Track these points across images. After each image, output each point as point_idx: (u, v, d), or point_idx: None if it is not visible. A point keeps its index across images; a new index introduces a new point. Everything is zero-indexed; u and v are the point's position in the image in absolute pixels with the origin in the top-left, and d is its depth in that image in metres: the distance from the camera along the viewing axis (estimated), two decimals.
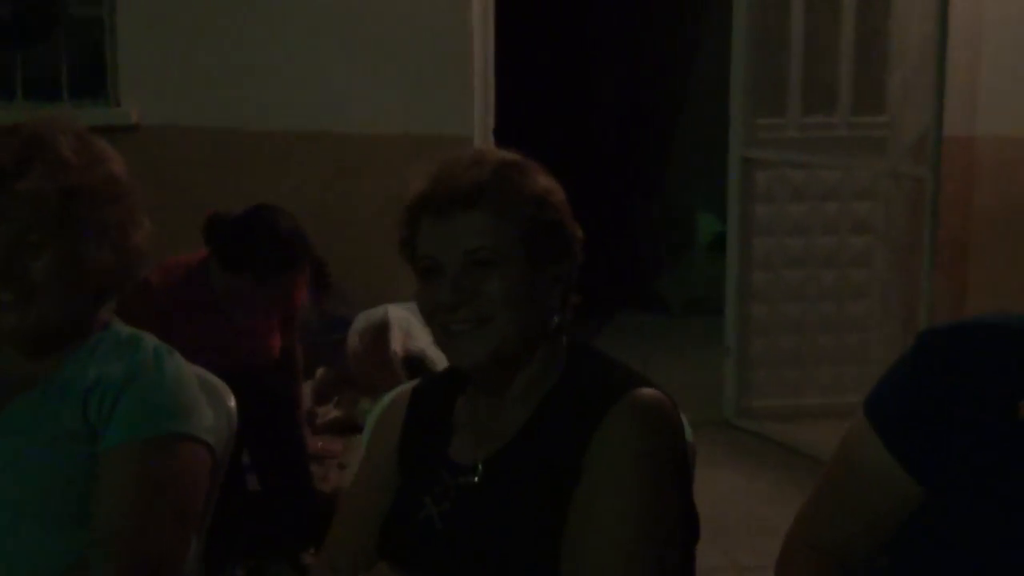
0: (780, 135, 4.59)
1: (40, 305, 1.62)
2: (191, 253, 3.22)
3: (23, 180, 1.59)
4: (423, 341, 4.07)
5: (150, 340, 1.71)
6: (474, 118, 4.74)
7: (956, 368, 1.35)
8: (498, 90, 4.86)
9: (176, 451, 1.62)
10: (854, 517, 1.41)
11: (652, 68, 7.58)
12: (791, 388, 4.74)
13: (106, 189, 1.67)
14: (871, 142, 4.50)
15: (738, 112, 4.54)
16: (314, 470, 3.60)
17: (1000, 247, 4.88)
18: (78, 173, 1.65)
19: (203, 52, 4.85)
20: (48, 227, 1.62)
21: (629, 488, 1.41)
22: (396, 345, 4.03)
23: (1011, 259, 4.88)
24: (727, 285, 4.70)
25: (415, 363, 4.03)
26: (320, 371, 4.24)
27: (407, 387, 1.73)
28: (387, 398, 1.80)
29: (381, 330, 4.07)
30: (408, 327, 4.10)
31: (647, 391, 1.47)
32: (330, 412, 4.02)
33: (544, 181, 1.55)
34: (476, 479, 1.51)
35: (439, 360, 4.09)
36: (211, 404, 1.73)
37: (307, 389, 4.11)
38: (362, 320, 4.19)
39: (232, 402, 1.84)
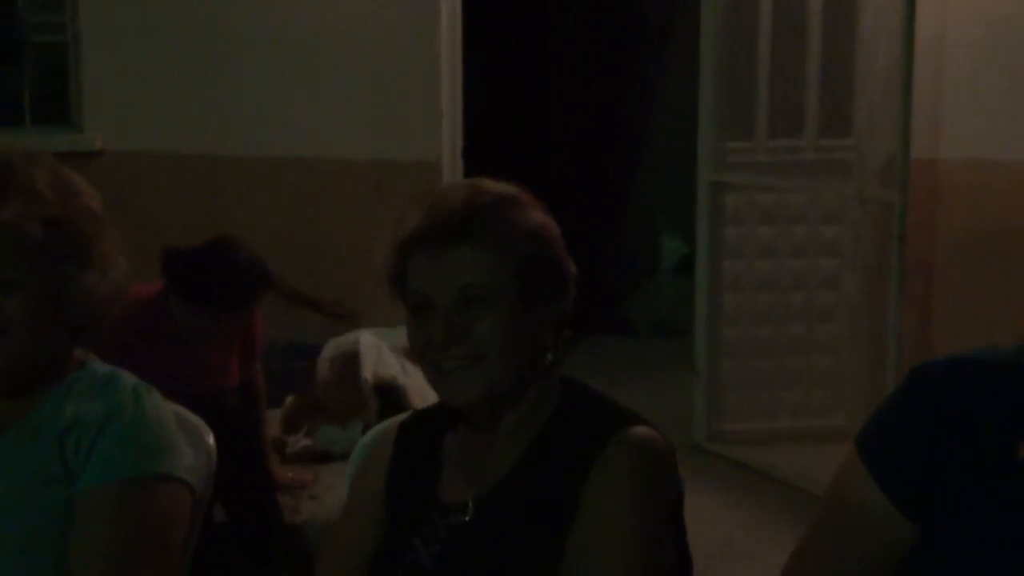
0: (748, 159, 4.61)
1: (15, 344, 1.58)
2: (151, 283, 3.18)
3: None
4: (394, 368, 4.03)
5: (128, 378, 1.68)
6: (442, 143, 4.73)
7: (950, 405, 1.34)
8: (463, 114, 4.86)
9: (156, 492, 1.58)
10: (847, 557, 1.39)
11: (616, 91, 7.60)
12: (761, 411, 4.75)
13: (82, 223, 1.64)
14: (838, 165, 4.53)
15: (706, 136, 4.56)
16: (284, 501, 3.55)
17: (965, 270, 4.91)
18: (54, 207, 1.61)
19: (167, 78, 4.82)
20: (23, 263, 1.58)
21: (625, 529, 1.39)
22: (367, 372, 3.98)
23: (977, 282, 4.90)
24: (696, 308, 4.70)
25: (386, 390, 3.99)
26: (289, 399, 4.18)
27: (393, 423, 1.70)
28: (371, 435, 1.77)
29: (351, 357, 4.03)
30: (379, 354, 4.06)
31: (641, 429, 1.45)
32: (300, 441, 3.96)
33: (538, 216, 1.53)
34: (467, 518, 1.48)
35: (410, 387, 4.07)
36: (190, 442, 1.70)
37: (276, 417, 4.06)
38: (332, 347, 4.14)
39: (211, 439, 1.81)
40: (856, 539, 1.38)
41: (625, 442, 1.43)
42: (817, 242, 4.69)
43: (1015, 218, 4.80)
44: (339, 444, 3.92)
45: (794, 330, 4.72)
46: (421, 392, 4.05)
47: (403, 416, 1.71)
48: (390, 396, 3.97)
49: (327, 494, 3.64)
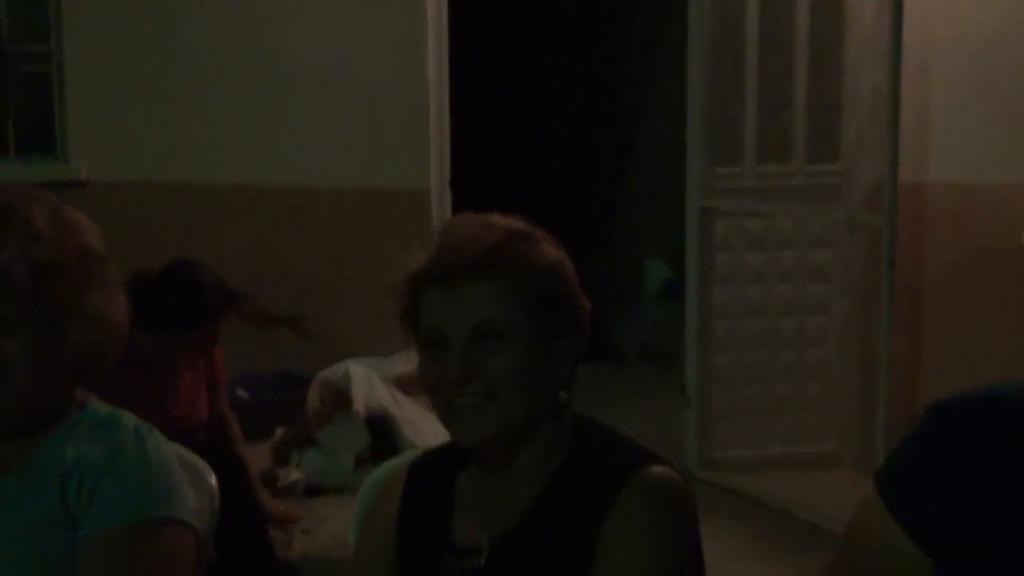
0: (737, 184, 4.61)
1: (14, 386, 1.55)
2: None
3: None
4: (386, 399, 4.01)
5: (129, 419, 1.65)
6: (431, 171, 4.71)
7: (969, 442, 1.32)
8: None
9: (160, 536, 1.55)
10: None
11: (601, 118, 7.61)
12: (752, 438, 4.73)
13: (82, 263, 1.61)
14: (827, 190, 4.53)
15: (695, 162, 4.55)
16: (276, 536, 3.51)
17: (953, 294, 4.92)
18: (53, 246, 1.58)
19: (153, 107, 4.79)
20: (22, 303, 1.55)
21: (647, 571, 1.37)
22: (358, 403, 3.96)
23: (965, 306, 4.91)
24: (687, 335, 4.69)
25: (378, 421, 3.96)
26: (279, 431, 4.15)
27: (402, 463, 1.67)
28: (379, 475, 1.74)
29: (342, 387, 4.00)
30: (370, 384, 4.04)
31: (659, 469, 1.43)
32: (291, 474, 3.93)
33: (553, 251, 1.51)
34: (482, 562, 1.46)
35: (402, 418, 4.04)
36: (192, 483, 1.67)
37: (266, 450, 4.03)
38: (322, 377, 4.12)
39: (213, 480, 1.78)
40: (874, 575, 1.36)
41: (643, 483, 1.41)
42: (806, 267, 4.69)
43: (1002, 241, 4.82)
44: (331, 477, 3.89)
45: (784, 356, 4.71)
46: (413, 423, 4.03)
47: (412, 455, 1.68)
48: (381, 427, 3.94)
49: (320, 528, 3.60)
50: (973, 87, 4.76)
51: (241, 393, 4.39)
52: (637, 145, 7.36)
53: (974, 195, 4.84)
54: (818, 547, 4.09)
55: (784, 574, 3.88)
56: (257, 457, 3.80)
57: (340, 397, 3.99)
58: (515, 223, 1.52)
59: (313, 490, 3.90)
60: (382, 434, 3.96)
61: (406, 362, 4.46)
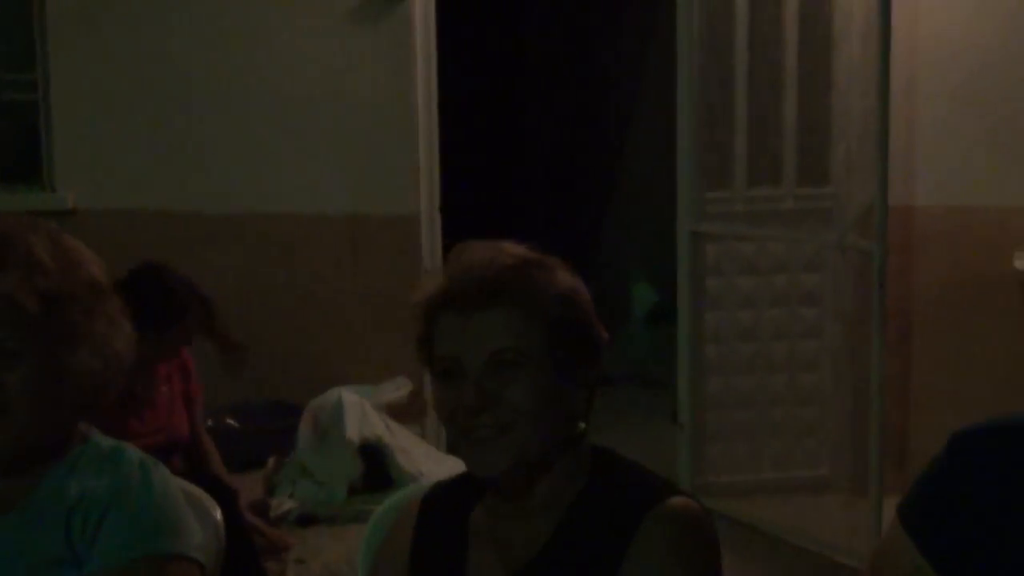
0: (727, 208, 4.60)
1: (16, 420, 1.52)
2: None
3: None
4: (379, 427, 3.98)
5: (133, 452, 1.62)
6: (420, 197, 4.69)
7: (992, 471, 1.31)
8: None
9: (167, 572, 1.52)
10: None
11: (587, 143, 7.62)
12: (745, 462, 4.71)
13: (85, 294, 1.59)
14: (817, 213, 4.53)
15: (685, 186, 4.54)
16: (271, 567, 3.47)
17: (942, 317, 4.92)
18: (56, 277, 1.55)
19: (140, 135, 4.76)
20: (24, 336, 1.52)
21: None
22: (352, 432, 3.92)
23: (954, 329, 4.91)
24: (679, 359, 4.67)
25: (372, 450, 3.93)
26: (271, 460, 4.11)
27: (413, 496, 1.63)
28: (389, 509, 1.71)
29: (335, 416, 3.97)
30: (363, 412, 4.00)
31: (679, 500, 1.41)
32: (284, 503, 3.88)
33: (569, 278, 1.49)
34: None
35: (395, 447, 4.01)
36: (197, 518, 1.64)
37: (257, 479, 3.99)
38: (314, 406, 4.08)
39: (219, 514, 1.75)
40: None
41: (664, 515, 1.38)
42: (798, 291, 4.68)
43: (992, 264, 4.82)
44: (323, 506, 3.85)
45: (777, 380, 4.69)
46: (406, 451, 4.00)
47: (422, 488, 1.65)
48: (375, 456, 3.91)
49: (314, 559, 3.56)
50: (963, 109, 4.78)
51: (231, 422, 4.36)
52: (622, 169, 7.37)
53: (964, 217, 4.85)
54: (811, 573, 4.07)
55: None
56: (248, 486, 3.77)
57: (333, 426, 3.95)
58: (528, 250, 1.50)
59: (306, 520, 3.85)
60: (375, 463, 3.92)
61: (397, 389, 4.44)
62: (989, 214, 4.84)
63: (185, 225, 4.69)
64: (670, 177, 4.78)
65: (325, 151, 4.70)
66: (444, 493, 1.59)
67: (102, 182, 4.78)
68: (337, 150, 4.69)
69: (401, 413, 4.36)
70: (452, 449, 1.47)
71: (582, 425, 1.49)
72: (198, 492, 1.76)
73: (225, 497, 3.28)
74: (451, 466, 4.09)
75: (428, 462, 3.98)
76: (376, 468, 3.93)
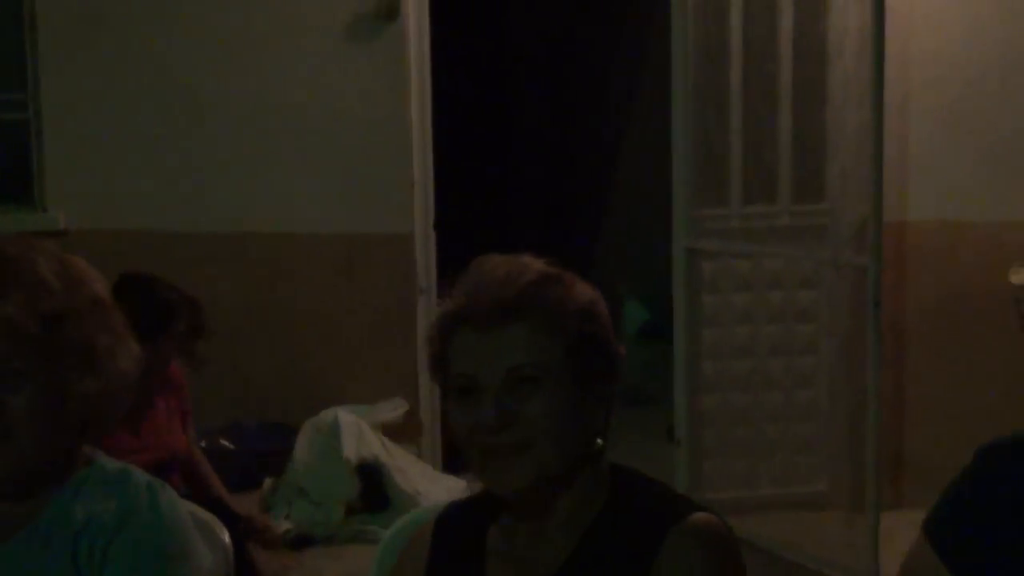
0: (723, 225, 4.59)
1: (19, 442, 1.49)
2: None
3: None
4: (376, 447, 3.95)
5: (140, 475, 1.59)
6: (415, 214, 4.67)
7: (1019, 485, 1.30)
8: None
9: None
10: None
11: (578, 159, 7.62)
12: (742, 479, 4.69)
13: (91, 313, 1.56)
14: (813, 230, 4.52)
15: (681, 203, 4.53)
16: None
17: (936, 333, 4.91)
18: (60, 297, 1.53)
19: (132, 154, 4.73)
20: (28, 357, 1.49)
21: None
22: (349, 451, 3.89)
23: (949, 344, 4.91)
24: (675, 376, 4.65)
25: (369, 470, 3.90)
26: (267, 482, 4.08)
27: (427, 516, 1.60)
28: (401, 531, 1.68)
29: (332, 436, 3.94)
30: (360, 432, 3.97)
31: (702, 516, 1.38)
32: (281, 524, 3.84)
33: (588, 293, 1.47)
34: None
35: (393, 467, 3.98)
36: (205, 542, 1.61)
37: (252, 500, 3.95)
38: (311, 426, 4.05)
39: (227, 537, 1.72)
40: None
41: (687, 532, 1.36)
42: (794, 308, 4.67)
43: (987, 279, 4.83)
44: (320, 527, 3.81)
45: (773, 397, 4.68)
46: (403, 471, 3.97)
47: (436, 508, 1.62)
48: (372, 476, 3.88)
49: None
50: (957, 125, 4.79)
51: (225, 443, 4.32)
52: (613, 187, 7.37)
53: (958, 233, 4.86)
54: None
55: None
56: (243, 508, 3.72)
57: (330, 446, 3.93)
58: (544, 264, 1.48)
59: (303, 541, 3.82)
60: (372, 483, 3.89)
61: (393, 409, 4.41)
62: (983, 229, 4.85)
63: (178, 245, 4.66)
64: (660, 195, 4.78)
65: (320, 169, 4.68)
66: (459, 512, 1.56)
67: (94, 202, 4.74)
68: (332, 168, 4.67)
69: (397, 433, 4.33)
70: (470, 467, 1.44)
71: (600, 441, 1.46)
72: (206, 515, 1.73)
73: (230, 522, 3.26)
74: (448, 486, 4.09)
75: (425, 482, 3.95)
76: (373, 488, 3.90)
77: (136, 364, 1.60)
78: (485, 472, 1.42)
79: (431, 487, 3.85)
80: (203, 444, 3.85)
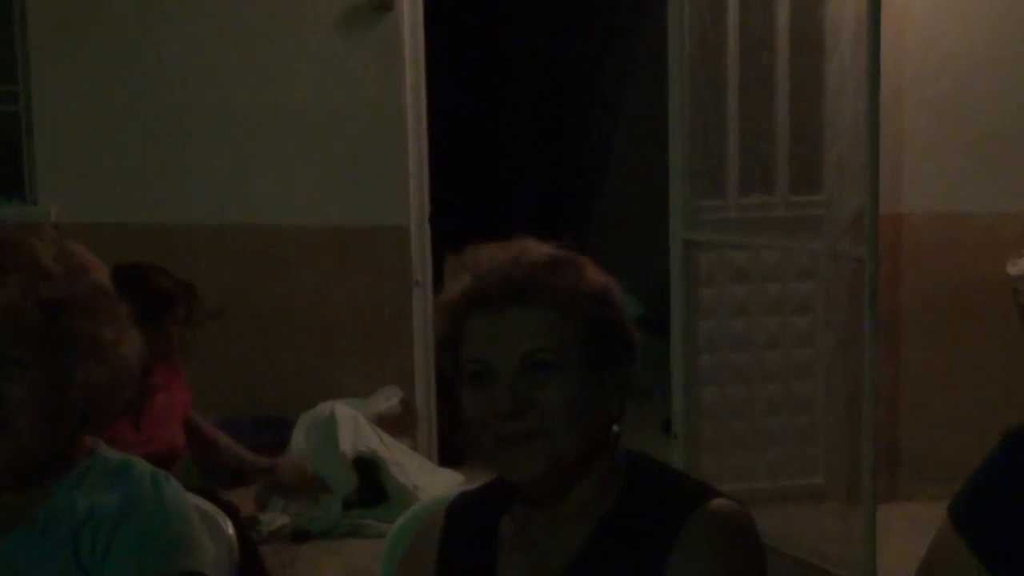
0: (720, 216, 4.56)
1: (19, 432, 1.46)
2: None
3: None
4: (373, 440, 3.92)
5: (143, 466, 1.56)
6: (410, 207, 4.64)
7: None
8: None
9: None
10: None
11: (571, 152, 7.59)
12: (739, 472, 4.66)
13: (93, 301, 1.53)
14: (811, 221, 4.49)
15: (678, 194, 4.50)
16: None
17: (933, 325, 4.90)
18: (61, 284, 1.50)
19: (125, 147, 4.69)
20: (28, 345, 1.46)
21: None
22: (345, 445, 3.86)
23: (945, 336, 4.90)
24: (672, 369, 4.62)
25: (366, 464, 3.87)
26: None
27: (436, 507, 1.57)
28: (409, 522, 1.64)
29: (329, 429, 3.91)
30: (357, 425, 3.94)
31: (721, 502, 1.35)
32: (277, 519, 3.81)
33: (601, 276, 1.44)
34: None
35: (390, 460, 3.95)
36: (210, 534, 1.58)
37: (249, 495, 3.92)
38: (307, 419, 4.02)
39: (231, 529, 1.68)
40: None
41: (706, 518, 1.33)
42: (792, 300, 4.64)
43: (985, 270, 4.82)
44: (317, 522, 3.78)
45: (771, 389, 4.65)
46: (401, 465, 3.94)
47: (446, 499, 1.58)
48: (369, 469, 3.85)
49: (308, 573, 3.50)
50: (952, 117, 4.78)
51: None
52: (606, 181, 7.34)
53: (954, 225, 4.85)
54: None
55: None
56: (239, 502, 3.69)
57: (327, 439, 3.89)
58: (554, 247, 1.45)
59: (300, 535, 3.78)
60: (369, 476, 3.86)
61: (387, 399, 4.38)
62: (980, 220, 4.84)
63: (171, 238, 4.62)
64: (653, 188, 4.75)
65: (314, 161, 4.64)
66: (471, 502, 1.53)
67: (85, 195, 4.70)
68: (326, 160, 4.64)
69: (393, 426, 4.30)
70: (484, 455, 1.40)
71: (616, 428, 1.43)
72: (209, 507, 1.70)
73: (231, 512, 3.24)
74: (446, 480, 4.06)
75: (423, 475, 3.92)
76: (370, 482, 3.87)
77: (139, 354, 1.58)
78: (499, 459, 1.38)
79: (429, 481, 3.83)
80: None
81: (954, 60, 4.77)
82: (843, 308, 4.43)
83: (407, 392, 4.51)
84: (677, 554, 1.31)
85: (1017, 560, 1.26)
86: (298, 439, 3.99)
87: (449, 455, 4.71)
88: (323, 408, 4.04)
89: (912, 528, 4.67)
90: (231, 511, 3.12)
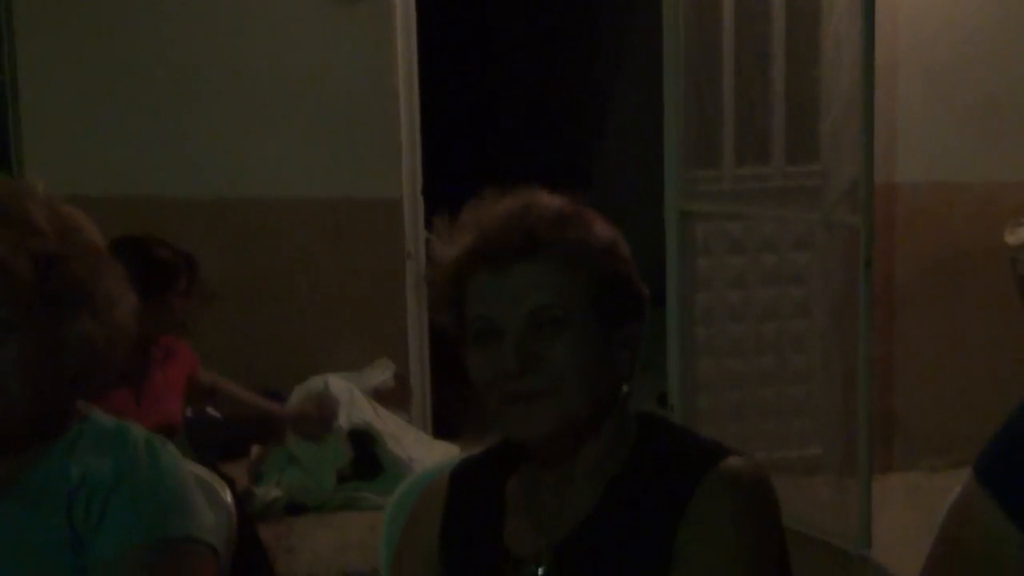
0: (715, 187, 4.52)
1: (9, 395, 1.42)
2: None
3: None
4: (368, 413, 3.89)
5: (138, 430, 1.52)
6: (403, 180, 4.59)
7: None
8: None
9: (180, 557, 1.42)
10: None
11: (563, 125, 7.55)
12: (736, 444, 4.59)
13: (85, 259, 1.49)
14: (807, 191, 4.47)
15: (673, 165, 4.46)
16: None
17: (927, 295, 4.89)
18: (53, 241, 1.46)
19: (114, 120, 4.62)
20: (19, 304, 1.42)
21: (735, 573, 1.25)
22: (340, 418, 3.83)
23: (940, 307, 4.88)
24: (668, 341, 4.59)
25: (361, 437, 3.84)
26: (256, 449, 4.01)
27: (439, 472, 1.52)
28: (411, 488, 1.61)
29: (324, 402, 3.88)
30: (352, 399, 3.91)
31: (737, 460, 1.32)
32: (271, 492, 3.78)
33: (609, 230, 1.39)
34: (541, 571, 1.32)
35: (385, 433, 3.92)
36: (208, 501, 1.54)
37: (242, 468, 3.89)
38: (302, 392, 3.99)
39: (230, 497, 1.65)
40: (977, 572, 1.26)
41: (722, 477, 1.29)
42: (788, 271, 4.62)
43: (981, 240, 4.80)
44: (312, 494, 3.75)
45: (767, 361, 4.63)
46: (396, 437, 3.91)
47: (448, 464, 1.54)
48: (364, 442, 3.82)
49: (303, 546, 3.47)
50: (947, 86, 4.75)
51: (212, 412, 4.24)
52: (601, 151, 7.30)
53: (950, 194, 4.83)
54: (803, 554, 4.01)
55: None
56: (233, 476, 3.66)
57: (323, 411, 3.87)
58: (561, 201, 1.39)
59: (294, 508, 3.75)
60: (364, 449, 3.83)
61: (382, 372, 4.35)
62: (976, 190, 4.82)
63: (161, 211, 4.56)
64: (646, 161, 4.71)
65: (306, 134, 4.58)
66: (475, 466, 1.49)
67: (74, 168, 4.63)
68: (318, 133, 4.58)
69: (387, 400, 4.27)
70: (492, 417, 1.35)
71: (626, 387, 1.39)
72: (207, 474, 1.66)
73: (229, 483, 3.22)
74: (441, 452, 4.03)
75: (418, 448, 3.90)
76: (365, 455, 3.84)
77: (134, 315, 1.54)
78: (507, 419, 1.34)
79: (424, 453, 3.80)
80: (189, 413, 3.79)
81: (950, 29, 4.74)
82: (838, 279, 4.41)
83: (400, 365, 4.47)
84: (692, 514, 1.27)
85: None
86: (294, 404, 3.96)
87: (444, 428, 4.69)
88: (317, 381, 4.00)
89: (907, 499, 4.67)
90: (229, 482, 3.10)
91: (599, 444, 1.37)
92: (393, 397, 4.26)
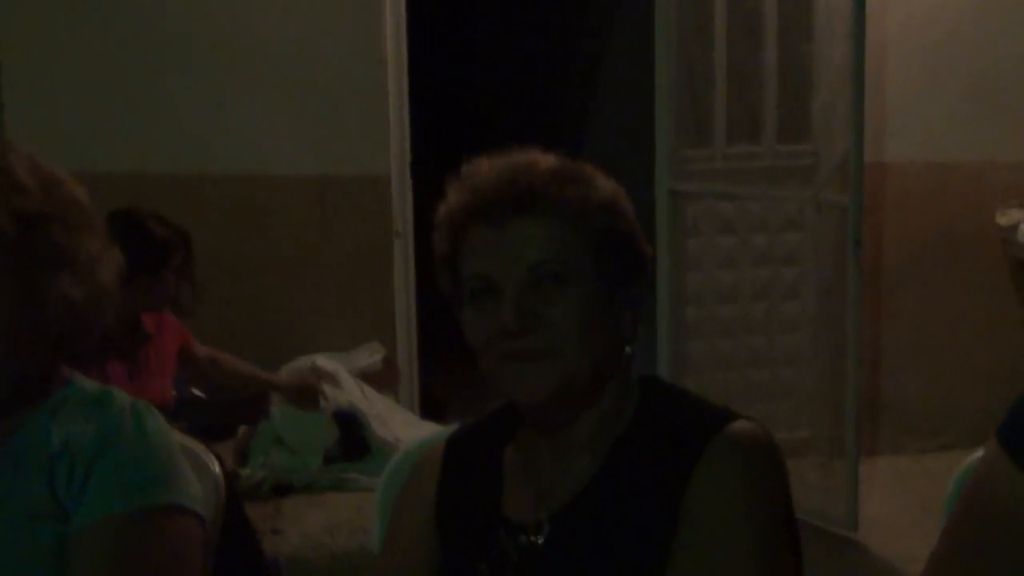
0: (706, 166, 4.49)
1: None
2: None
3: None
4: (354, 393, 3.84)
5: (123, 396, 1.47)
6: (391, 157, 4.54)
7: None
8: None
9: (164, 526, 1.37)
10: (1000, 562, 1.24)
11: (556, 100, 7.50)
12: None
13: (68, 215, 1.45)
14: (798, 171, 4.44)
15: (664, 144, 4.42)
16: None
17: (917, 276, 4.87)
18: (35, 196, 1.42)
19: (98, 95, 4.55)
20: (2, 259, 1.38)
21: (743, 542, 1.20)
22: (326, 398, 3.78)
23: (928, 288, 4.87)
24: (658, 322, 4.56)
25: (348, 417, 3.79)
26: (242, 429, 3.96)
27: (436, 440, 1.48)
28: (406, 457, 1.56)
29: (321, 373, 3.85)
30: (339, 379, 3.87)
31: (743, 424, 1.27)
32: (258, 473, 3.74)
33: (611, 185, 1.34)
34: (541, 538, 1.28)
35: (371, 413, 3.88)
36: (195, 471, 1.49)
37: (228, 449, 3.84)
38: (288, 371, 3.94)
39: (217, 468, 1.60)
40: (1002, 540, 1.22)
41: (728, 440, 1.25)
42: (778, 251, 4.59)
43: (969, 220, 4.78)
44: (298, 475, 3.71)
45: (756, 342, 4.61)
46: (382, 418, 3.87)
47: (444, 433, 1.50)
48: (350, 423, 3.78)
49: (291, 528, 3.43)
50: (939, 65, 4.73)
51: (197, 392, 4.19)
52: (591, 129, 7.25)
53: (941, 174, 4.81)
54: None
55: None
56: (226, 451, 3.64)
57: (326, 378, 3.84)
58: (560, 157, 1.35)
59: (281, 489, 3.71)
60: (351, 430, 3.79)
61: (370, 355, 4.31)
62: (967, 170, 4.80)
63: (147, 188, 4.49)
64: (636, 141, 4.67)
65: (293, 109, 4.52)
66: (471, 434, 1.44)
67: (58, 144, 4.54)
68: (305, 108, 4.52)
69: (375, 382, 4.23)
70: (489, 378, 1.31)
71: (628, 349, 1.34)
72: (195, 444, 1.62)
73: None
74: (429, 432, 3.98)
75: (406, 429, 3.85)
76: (352, 435, 3.79)
77: (118, 274, 1.49)
78: (505, 380, 1.29)
79: (412, 435, 3.75)
80: (175, 393, 3.74)
81: (941, 8, 4.72)
82: (828, 259, 4.38)
83: (388, 345, 4.42)
84: (699, 479, 1.23)
85: None
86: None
87: (432, 409, 4.65)
88: (303, 361, 3.96)
89: (894, 481, 4.65)
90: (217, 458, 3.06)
91: (601, 409, 1.33)
92: (381, 380, 4.22)
